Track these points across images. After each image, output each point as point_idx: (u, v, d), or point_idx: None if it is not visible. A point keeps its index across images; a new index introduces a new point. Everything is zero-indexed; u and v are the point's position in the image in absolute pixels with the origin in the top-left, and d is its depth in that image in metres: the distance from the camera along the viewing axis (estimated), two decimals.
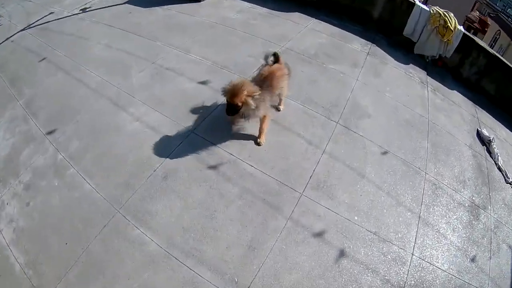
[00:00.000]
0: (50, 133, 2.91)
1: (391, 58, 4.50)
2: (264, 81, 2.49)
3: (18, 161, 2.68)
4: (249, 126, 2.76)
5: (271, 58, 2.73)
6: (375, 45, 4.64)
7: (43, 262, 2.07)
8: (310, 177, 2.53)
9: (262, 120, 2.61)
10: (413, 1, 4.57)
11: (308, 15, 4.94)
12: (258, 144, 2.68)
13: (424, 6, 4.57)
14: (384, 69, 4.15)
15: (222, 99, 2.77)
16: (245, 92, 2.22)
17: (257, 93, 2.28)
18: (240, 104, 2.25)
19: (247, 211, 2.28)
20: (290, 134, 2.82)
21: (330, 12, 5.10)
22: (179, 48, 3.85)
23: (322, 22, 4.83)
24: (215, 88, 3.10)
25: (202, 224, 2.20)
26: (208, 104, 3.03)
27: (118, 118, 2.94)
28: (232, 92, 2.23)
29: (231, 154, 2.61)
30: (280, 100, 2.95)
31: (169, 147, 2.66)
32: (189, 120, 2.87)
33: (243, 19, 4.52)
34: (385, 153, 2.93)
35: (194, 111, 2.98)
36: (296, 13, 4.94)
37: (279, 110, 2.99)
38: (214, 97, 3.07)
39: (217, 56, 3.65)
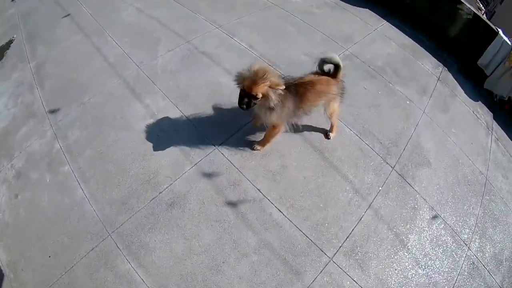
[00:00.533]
0: (52, 112, 2.56)
1: (461, 90, 3.80)
2: (297, 88, 1.97)
3: (14, 139, 2.37)
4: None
5: (329, 67, 2.14)
6: (446, 69, 3.93)
7: (24, 269, 1.80)
8: (346, 238, 2.08)
9: (270, 129, 2.16)
10: (496, 30, 3.76)
11: (379, 15, 4.17)
12: (253, 148, 2.30)
13: (507, 39, 3.77)
14: (453, 103, 3.50)
15: None
16: (268, 82, 1.77)
17: (282, 88, 1.81)
18: (259, 95, 1.79)
19: (261, 270, 1.88)
20: (337, 175, 2.35)
21: (403, 18, 4.30)
22: (222, 27, 3.26)
23: (393, 27, 4.08)
24: None
25: (204, 276, 1.82)
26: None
27: (130, 110, 2.52)
28: (251, 79, 1.77)
29: (258, 190, 2.16)
30: (332, 125, 2.43)
31: (182, 165, 2.22)
32: (214, 130, 2.40)
33: (305, 5, 3.80)
34: (435, 217, 2.45)
35: (223, 117, 2.50)
36: (367, 9, 4.17)
37: (328, 138, 2.50)
38: None
39: (266, 47, 3.07)
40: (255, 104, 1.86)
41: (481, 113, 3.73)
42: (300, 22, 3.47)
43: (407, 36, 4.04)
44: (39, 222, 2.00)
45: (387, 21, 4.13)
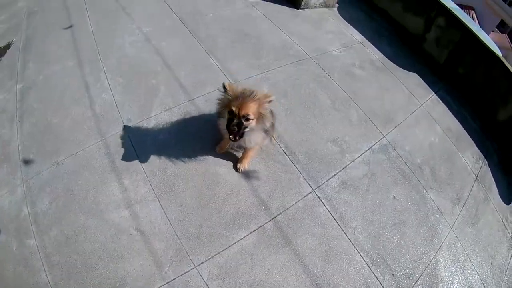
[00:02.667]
0: (26, 162, 2.11)
1: (496, 191, 3.16)
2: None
3: None
4: None
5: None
6: (486, 162, 3.25)
7: None
8: None
9: (253, 148, 1.97)
10: None
11: (426, 83, 3.38)
12: (237, 170, 2.08)
13: None
14: (484, 213, 2.88)
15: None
16: (258, 100, 1.58)
17: (272, 99, 1.64)
18: (251, 115, 1.59)
19: None
20: None
21: (451, 88, 3.52)
22: (239, 84, 2.55)
23: (440, 102, 3.32)
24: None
25: None
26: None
27: (105, 191, 2.00)
28: (240, 99, 1.56)
29: None
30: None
31: (153, 280, 1.75)
32: (198, 244, 1.87)
33: (347, 62, 3.01)
34: None
35: (212, 227, 1.94)
36: (415, 74, 3.37)
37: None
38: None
39: (290, 124, 2.40)
40: (245, 128, 1.61)
41: (510, 220, 3.15)
42: (337, 88, 2.73)
43: (453, 116, 3.30)
44: None
45: (435, 92, 3.37)
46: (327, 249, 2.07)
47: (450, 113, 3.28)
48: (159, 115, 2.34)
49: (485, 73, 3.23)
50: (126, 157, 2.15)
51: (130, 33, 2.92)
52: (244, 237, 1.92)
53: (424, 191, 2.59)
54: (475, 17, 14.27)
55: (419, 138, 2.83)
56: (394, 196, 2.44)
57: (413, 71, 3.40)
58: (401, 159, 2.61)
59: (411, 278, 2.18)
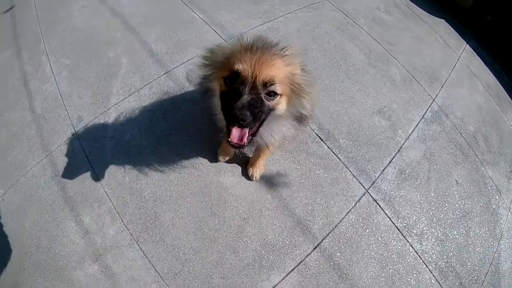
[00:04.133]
0: None
1: None
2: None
3: None
4: None
5: None
6: None
7: None
8: None
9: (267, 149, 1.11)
10: None
11: (456, 32, 2.67)
12: (250, 177, 1.30)
13: None
14: None
15: None
16: (293, 61, 0.80)
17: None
18: (281, 91, 0.78)
19: None
20: None
21: (478, 37, 2.85)
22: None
23: (474, 53, 2.63)
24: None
25: None
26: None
27: (60, 238, 1.29)
28: (261, 51, 0.77)
29: None
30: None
31: None
32: None
33: (370, 6, 2.15)
34: None
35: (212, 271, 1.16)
36: (442, 20, 2.62)
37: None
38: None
39: (324, 102, 1.54)
40: (267, 113, 0.79)
41: None
42: (368, 39, 1.87)
43: (488, 70, 2.65)
44: None
45: (467, 42, 2.67)
46: (392, 273, 1.37)
47: (486, 67, 2.62)
48: (121, 104, 1.41)
49: None
50: (81, 180, 1.34)
51: None
52: (279, 282, 1.11)
53: (483, 167, 1.96)
54: None
55: (466, 99, 2.14)
56: (456, 181, 1.77)
57: (440, 16, 2.64)
58: (455, 129, 1.91)
59: (478, 282, 1.64)
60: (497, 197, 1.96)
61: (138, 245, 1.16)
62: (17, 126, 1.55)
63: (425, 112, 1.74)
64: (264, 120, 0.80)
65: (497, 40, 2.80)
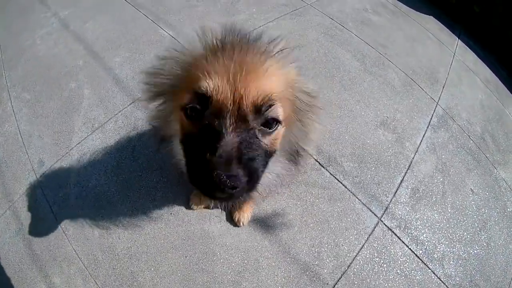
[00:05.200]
0: None
1: None
2: None
3: None
4: None
5: None
6: None
7: None
8: None
9: None
10: None
11: (447, 27, 2.55)
12: (237, 224, 1.04)
13: None
14: None
15: None
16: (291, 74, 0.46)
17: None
18: (282, 114, 0.45)
19: None
20: None
21: (468, 31, 2.73)
22: None
23: (467, 49, 2.51)
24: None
25: None
26: None
27: None
28: (244, 51, 0.43)
29: None
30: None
31: None
32: None
33: (356, 6, 1.99)
34: None
35: None
36: (431, 17, 2.50)
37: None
38: None
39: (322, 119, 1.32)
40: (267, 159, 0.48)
41: None
42: (360, 43, 1.69)
43: (484, 64, 2.52)
44: None
45: (458, 37, 2.54)
46: None
47: (481, 61, 2.49)
48: (84, 143, 1.22)
49: (504, 11, 2.44)
50: (45, 234, 1.18)
51: (42, 24, 1.63)
52: None
53: (495, 170, 1.80)
54: None
55: (468, 98, 1.99)
56: (472, 189, 1.60)
57: (427, 13, 2.51)
58: (463, 132, 1.74)
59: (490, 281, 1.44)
60: (511, 198, 1.80)
61: None
62: None
63: (431, 118, 1.56)
64: (263, 171, 0.50)
65: (487, 32, 2.68)
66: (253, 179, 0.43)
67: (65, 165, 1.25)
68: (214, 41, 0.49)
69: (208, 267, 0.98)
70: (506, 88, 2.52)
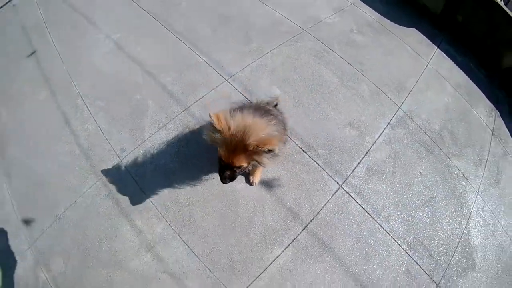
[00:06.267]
0: (26, 222, 1.81)
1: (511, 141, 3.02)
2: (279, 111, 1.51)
3: None
4: None
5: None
6: (498, 113, 3.05)
7: None
8: None
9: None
10: None
11: (426, 36, 3.02)
12: (251, 183, 1.76)
13: None
14: (504, 169, 2.71)
15: None
16: (252, 148, 1.12)
17: (275, 147, 1.12)
18: (244, 165, 1.20)
19: None
20: None
21: (452, 38, 3.19)
22: (233, 78, 2.13)
23: (445, 56, 2.98)
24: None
25: None
26: None
27: (118, 237, 1.71)
28: (229, 148, 1.15)
29: None
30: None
31: None
32: (235, 276, 1.59)
33: (344, 29, 2.57)
34: None
35: (242, 254, 1.64)
36: (414, 29, 2.98)
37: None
38: None
39: (305, 121, 2.03)
40: (240, 173, 1.28)
41: None
42: (341, 62, 2.33)
43: (459, 69, 2.99)
44: None
45: (436, 45, 3.03)
46: (365, 246, 1.83)
47: (456, 67, 2.97)
48: (153, 136, 1.91)
49: (485, 20, 2.89)
50: (130, 195, 1.78)
51: (99, 44, 2.36)
52: (280, 254, 1.62)
53: (448, 159, 2.34)
54: None
55: (433, 102, 2.52)
56: (420, 172, 2.18)
57: (411, 26, 3.01)
58: (420, 129, 2.32)
59: (447, 254, 1.99)
60: (463, 183, 2.35)
61: (179, 236, 1.70)
62: (67, 158, 1.93)
63: (391, 119, 2.18)
64: (238, 173, 1.28)
65: (468, 39, 3.16)
66: (232, 180, 1.22)
67: (141, 151, 2.02)
68: (226, 135, 1.12)
69: (234, 209, 1.73)
70: (480, 90, 3.03)
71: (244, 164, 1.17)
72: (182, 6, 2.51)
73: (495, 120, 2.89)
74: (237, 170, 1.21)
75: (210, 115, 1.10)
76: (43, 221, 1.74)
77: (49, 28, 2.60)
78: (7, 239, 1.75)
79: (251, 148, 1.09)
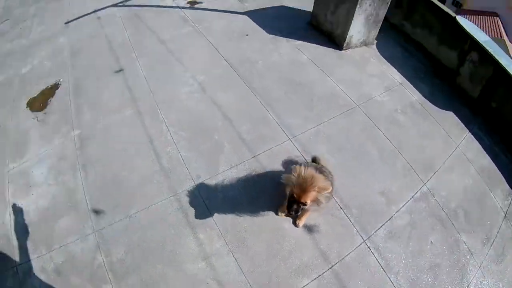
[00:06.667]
0: (96, 212, 2.24)
1: None
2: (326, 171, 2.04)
3: (54, 228, 2.13)
4: None
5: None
6: None
7: None
8: None
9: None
10: None
11: (461, 121, 3.45)
12: (296, 225, 2.29)
13: None
14: (510, 250, 3.12)
15: None
16: (317, 189, 1.68)
17: (329, 190, 1.74)
18: (308, 202, 1.72)
19: None
20: None
21: (484, 123, 3.59)
22: (296, 139, 2.65)
23: (474, 140, 3.41)
24: None
25: None
26: None
27: (182, 244, 2.12)
28: (301, 187, 1.68)
29: None
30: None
31: None
32: None
33: (390, 108, 3.12)
34: None
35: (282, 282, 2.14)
36: (451, 113, 3.45)
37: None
38: None
39: (344, 182, 2.60)
40: (303, 209, 1.77)
41: None
42: (384, 139, 2.89)
43: (486, 153, 3.40)
44: None
45: (469, 130, 3.46)
46: None
47: (483, 151, 3.34)
48: (226, 172, 2.51)
49: None
50: (199, 213, 2.20)
51: (185, 82, 2.99)
52: (307, 284, 2.23)
53: (458, 234, 2.77)
54: (500, 23, 13.34)
55: (454, 182, 2.96)
56: (431, 241, 2.66)
57: (449, 109, 3.45)
58: (438, 205, 2.79)
59: None
60: (468, 256, 2.75)
61: (232, 254, 2.05)
62: (147, 171, 2.31)
63: (415, 194, 2.71)
64: (302, 209, 1.72)
65: (501, 125, 3.56)
66: (297, 213, 1.73)
67: (214, 182, 2.38)
68: (299, 180, 1.61)
69: (280, 241, 2.32)
70: (501, 173, 3.41)
71: (309, 201, 1.65)
72: (259, 65, 3.19)
73: (510, 203, 3.27)
74: (301, 206, 1.69)
75: (293, 166, 1.69)
76: (113, 215, 2.16)
77: (136, 52, 3.26)
78: (72, 221, 2.11)
79: (316, 189, 1.62)
